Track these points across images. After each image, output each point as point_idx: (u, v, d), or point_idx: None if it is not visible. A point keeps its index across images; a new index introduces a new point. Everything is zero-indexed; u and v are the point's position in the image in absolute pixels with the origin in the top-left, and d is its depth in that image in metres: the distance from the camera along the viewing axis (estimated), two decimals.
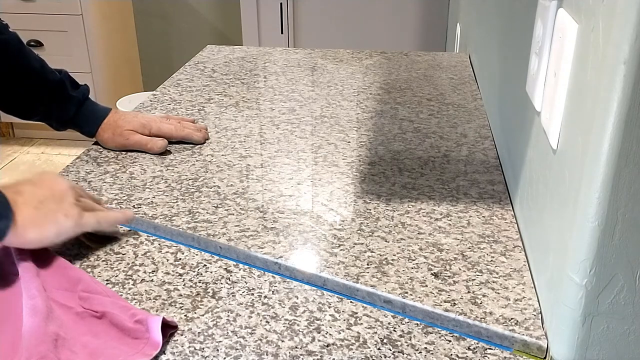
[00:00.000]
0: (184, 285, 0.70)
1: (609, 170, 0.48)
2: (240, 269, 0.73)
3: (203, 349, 0.61)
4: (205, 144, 1.04)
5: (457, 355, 0.61)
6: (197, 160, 0.99)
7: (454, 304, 0.66)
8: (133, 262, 0.74)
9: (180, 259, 0.75)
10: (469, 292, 0.68)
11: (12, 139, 3.28)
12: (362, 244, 0.76)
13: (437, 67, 1.45)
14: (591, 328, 0.55)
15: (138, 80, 3.38)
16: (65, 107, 0.99)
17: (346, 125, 1.12)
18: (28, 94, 0.97)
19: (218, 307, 0.67)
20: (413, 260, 0.73)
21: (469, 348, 0.62)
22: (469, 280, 0.70)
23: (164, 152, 1.01)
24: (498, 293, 0.68)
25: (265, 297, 0.69)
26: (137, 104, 1.24)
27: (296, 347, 0.61)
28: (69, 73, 1.02)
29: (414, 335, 0.63)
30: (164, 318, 0.62)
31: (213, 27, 3.26)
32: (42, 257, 0.72)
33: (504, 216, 0.82)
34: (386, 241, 0.77)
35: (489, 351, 0.61)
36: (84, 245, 0.77)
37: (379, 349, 0.61)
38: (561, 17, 0.61)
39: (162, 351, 0.61)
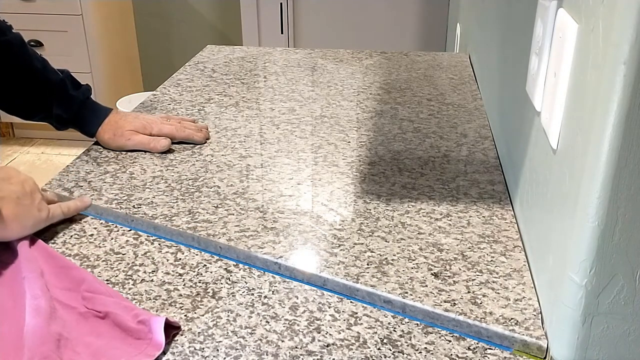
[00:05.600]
0: (184, 285, 0.70)
1: (609, 170, 0.48)
2: (240, 269, 0.73)
3: (203, 349, 0.61)
4: (205, 144, 1.04)
5: (457, 355, 0.61)
6: (197, 160, 0.99)
7: (454, 304, 0.66)
8: (133, 262, 0.74)
9: (180, 259, 0.75)
10: (469, 292, 0.68)
11: (12, 139, 3.28)
12: (362, 244, 0.76)
13: (437, 67, 1.45)
14: (591, 328, 0.55)
15: (138, 80, 3.38)
16: (66, 107, 0.99)
17: (346, 125, 1.12)
18: (30, 95, 0.98)
19: (218, 307, 0.67)
20: (413, 260, 0.73)
21: (469, 348, 0.62)
22: (469, 280, 0.70)
23: (164, 152, 1.01)
24: (498, 293, 0.68)
25: (265, 297, 0.69)
26: (137, 104, 1.24)
27: (296, 347, 0.61)
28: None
29: (414, 335, 0.63)
30: (167, 319, 0.62)
31: (213, 27, 3.26)
32: (46, 257, 0.72)
33: (504, 216, 0.82)
34: (386, 241, 0.77)
35: (489, 351, 0.62)
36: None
37: (379, 349, 0.61)
38: (561, 17, 0.61)
39: (162, 351, 0.61)
